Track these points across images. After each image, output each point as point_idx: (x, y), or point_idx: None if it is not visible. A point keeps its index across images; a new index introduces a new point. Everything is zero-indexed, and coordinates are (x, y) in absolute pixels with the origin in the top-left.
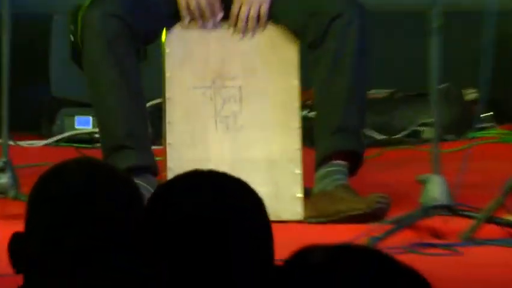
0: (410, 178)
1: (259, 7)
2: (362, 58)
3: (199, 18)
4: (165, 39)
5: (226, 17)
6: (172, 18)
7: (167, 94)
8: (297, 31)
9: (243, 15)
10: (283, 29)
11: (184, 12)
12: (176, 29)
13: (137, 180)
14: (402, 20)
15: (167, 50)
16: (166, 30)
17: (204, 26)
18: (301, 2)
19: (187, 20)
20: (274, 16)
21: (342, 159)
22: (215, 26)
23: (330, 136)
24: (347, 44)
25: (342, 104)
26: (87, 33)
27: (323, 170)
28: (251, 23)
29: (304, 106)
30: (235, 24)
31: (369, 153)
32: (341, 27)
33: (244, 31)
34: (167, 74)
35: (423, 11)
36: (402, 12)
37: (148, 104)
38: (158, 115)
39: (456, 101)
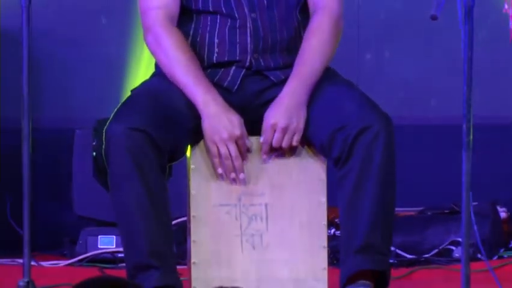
0: None
1: (293, 136)
2: (389, 176)
3: (226, 171)
4: (190, 154)
5: (252, 132)
6: (197, 133)
7: (193, 212)
8: (324, 147)
9: (276, 144)
10: (311, 146)
11: (213, 159)
12: (202, 144)
13: None
14: (433, 132)
15: (192, 166)
16: (191, 145)
17: (228, 177)
18: (329, 117)
19: (219, 170)
20: (304, 134)
21: (368, 280)
22: (240, 181)
23: (354, 256)
24: (372, 162)
25: (367, 225)
26: (111, 148)
27: None
28: (284, 151)
29: (331, 224)
30: (267, 150)
31: (399, 273)
32: (366, 142)
33: (274, 156)
34: (193, 192)
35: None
36: (434, 125)
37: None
38: (182, 234)
39: (488, 219)
